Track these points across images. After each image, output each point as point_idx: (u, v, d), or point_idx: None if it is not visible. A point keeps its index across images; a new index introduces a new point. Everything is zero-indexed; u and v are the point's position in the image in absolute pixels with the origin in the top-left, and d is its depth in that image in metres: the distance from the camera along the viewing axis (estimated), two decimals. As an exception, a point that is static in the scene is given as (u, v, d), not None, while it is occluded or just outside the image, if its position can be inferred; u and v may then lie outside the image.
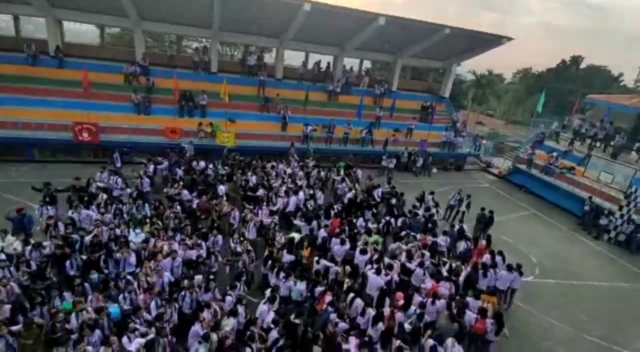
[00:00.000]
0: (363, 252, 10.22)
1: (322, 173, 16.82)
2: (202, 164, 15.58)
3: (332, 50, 24.72)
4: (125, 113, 18.72)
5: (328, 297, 8.28)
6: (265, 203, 12.58)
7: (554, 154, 21.41)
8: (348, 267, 9.54)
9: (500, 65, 55.79)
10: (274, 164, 16.63)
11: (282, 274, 8.90)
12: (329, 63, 25.86)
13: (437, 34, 22.00)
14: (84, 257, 8.77)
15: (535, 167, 21.92)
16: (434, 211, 13.93)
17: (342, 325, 7.57)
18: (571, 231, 17.50)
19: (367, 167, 20.27)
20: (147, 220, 10.66)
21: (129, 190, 12.71)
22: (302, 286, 8.67)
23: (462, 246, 11.93)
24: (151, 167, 14.66)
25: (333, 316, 7.79)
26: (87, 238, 9.22)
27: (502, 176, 24.11)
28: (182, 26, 21.60)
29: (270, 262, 9.44)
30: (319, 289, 8.66)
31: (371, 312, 8.06)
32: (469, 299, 9.11)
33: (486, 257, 10.96)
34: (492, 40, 23.73)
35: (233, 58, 34.06)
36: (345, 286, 9.21)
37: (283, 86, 23.08)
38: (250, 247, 9.90)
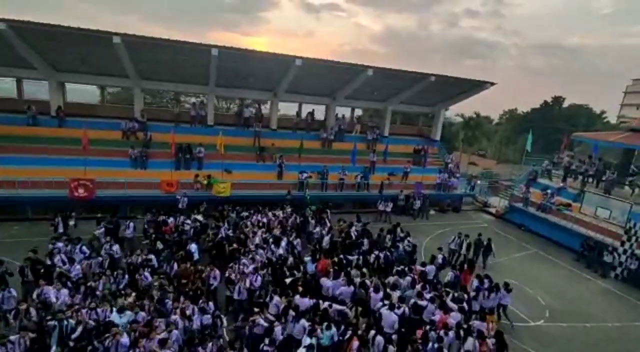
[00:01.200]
0: (376, 290, 10.22)
1: (298, 219, 16.41)
2: (172, 220, 14.56)
3: (324, 100, 25.75)
4: (122, 168, 18.91)
5: (355, 343, 8.02)
6: (240, 258, 11.77)
7: (549, 191, 21.61)
8: (359, 308, 9.66)
9: (487, 107, 58.22)
10: (249, 213, 16.29)
11: (305, 323, 8.49)
12: (311, 112, 26.77)
13: (423, 82, 23.14)
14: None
15: (532, 205, 22.00)
16: (412, 242, 14.78)
17: None
18: (575, 268, 17.14)
19: (364, 212, 20.20)
20: (124, 293, 9.32)
21: (99, 258, 11.25)
22: (332, 331, 8.40)
23: (449, 275, 12.39)
24: (100, 230, 13.29)
25: None
26: (72, 322, 7.88)
27: (499, 215, 24.07)
28: (179, 84, 22.61)
29: (290, 312, 8.74)
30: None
31: (392, 349, 8.22)
32: (476, 322, 9.23)
33: (473, 282, 11.79)
34: (476, 85, 24.94)
35: (229, 110, 35.27)
36: (362, 325, 9.29)
37: (278, 136, 23.70)
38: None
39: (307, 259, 12.33)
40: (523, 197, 22.52)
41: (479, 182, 27.33)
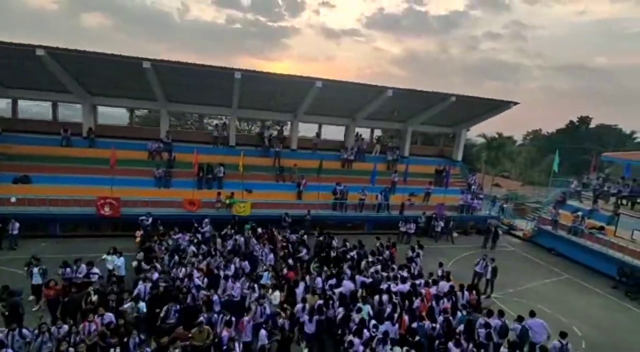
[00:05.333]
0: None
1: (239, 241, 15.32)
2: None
3: (344, 121, 25.94)
4: (146, 187, 19.44)
5: None
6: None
7: (579, 213, 20.63)
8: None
9: (509, 128, 57.05)
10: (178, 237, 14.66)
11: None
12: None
13: (444, 102, 23.03)
14: None
15: (561, 228, 21.01)
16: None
17: None
18: (611, 296, 16.05)
19: (384, 233, 19.80)
20: None
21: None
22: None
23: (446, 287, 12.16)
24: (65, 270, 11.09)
25: None
26: None
27: (527, 238, 23.08)
28: (204, 106, 23.39)
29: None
30: None
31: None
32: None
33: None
34: (498, 106, 24.60)
35: (250, 132, 36.02)
36: None
37: (297, 156, 23.89)
38: None
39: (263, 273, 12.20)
40: (552, 220, 21.57)
41: (505, 205, 26.34)
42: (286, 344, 9.21)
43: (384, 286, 11.75)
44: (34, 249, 15.28)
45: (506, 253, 20.60)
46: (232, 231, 16.18)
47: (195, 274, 11.39)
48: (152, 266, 11.70)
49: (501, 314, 10.35)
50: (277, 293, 10.97)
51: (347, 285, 11.83)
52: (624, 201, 20.78)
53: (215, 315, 9.41)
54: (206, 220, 16.97)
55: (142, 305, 9.54)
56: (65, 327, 8.30)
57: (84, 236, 17.26)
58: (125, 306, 9.44)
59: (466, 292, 11.73)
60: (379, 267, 13.38)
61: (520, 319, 10.16)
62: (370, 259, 14.22)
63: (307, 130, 28.97)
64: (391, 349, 8.76)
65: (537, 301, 13.98)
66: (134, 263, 12.52)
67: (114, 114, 31.23)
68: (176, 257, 12.94)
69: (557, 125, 59.06)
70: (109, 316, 8.80)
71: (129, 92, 21.31)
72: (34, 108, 32.08)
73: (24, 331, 8.04)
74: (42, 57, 16.65)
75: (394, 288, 11.67)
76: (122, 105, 23.53)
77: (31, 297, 10.99)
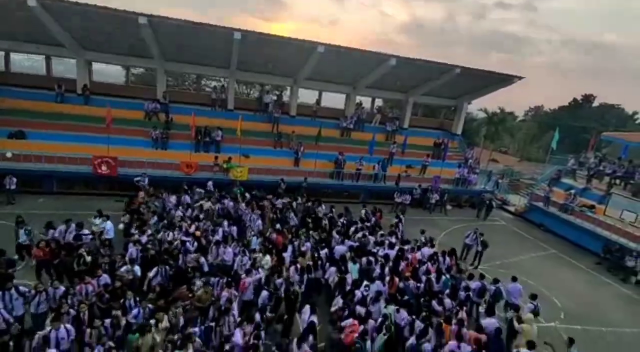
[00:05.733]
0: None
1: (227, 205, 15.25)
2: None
3: (345, 88, 25.45)
4: (143, 147, 19.32)
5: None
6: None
7: (572, 191, 20.91)
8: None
9: (511, 103, 56.51)
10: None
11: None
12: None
13: (448, 74, 22.54)
14: None
15: (553, 205, 21.37)
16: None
17: None
18: (594, 271, 16.66)
19: (380, 203, 20.06)
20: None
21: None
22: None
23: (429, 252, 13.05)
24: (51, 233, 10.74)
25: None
26: None
27: (519, 214, 23.52)
28: (201, 66, 22.74)
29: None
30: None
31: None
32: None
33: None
34: (503, 80, 24.13)
35: (249, 96, 35.38)
36: None
37: (297, 123, 23.64)
38: None
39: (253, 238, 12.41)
40: (544, 197, 21.90)
41: (500, 181, 26.50)
42: (293, 303, 9.41)
43: (373, 250, 12.44)
44: (32, 204, 15.50)
45: (497, 227, 21.07)
46: (220, 194, 16.06)
47: (185, 238, 11.36)
48: (140, 229, 11.57)
49: (482, 276, 11.38)
50: (267, 258, 11.06)
51: (339, 249, 12.29)
52: (617, 181, 21.02)
53: (213, 278, 9.55)
54: (210, 183, 17.33)
55: (137, 268, 9.51)
56: (62, 288, 8.17)
57: (81, 194, 17.34)
58: (122, 269, 9.35)
59: (447, 257, 12.59)
60: (366, 232, 13.94)
61: (495, 281, 11.11)
62: (359, 225, 14.73)
63: (306, 97, 28.50)
64: (385, 307, 9.28)
65: (522, 273, 14.43)
66: (120, 226, 12.45)
67: (109, 72, 30.34)
68: (165, 221, 12.83)
69: (560, 102, 58.18)
70: (105, 278, 8.76)
71: (124, 49, 20.60)
72: (27, 62, 31.10)
73: (21, 288, 7.92)
74: (34, 8, 15.91)
75: (381, 252, 12.28)
76: (117, 62, 22.82)
77: (15, 257, 10.44)
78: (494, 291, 10.85)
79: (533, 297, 10.34)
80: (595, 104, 54.30)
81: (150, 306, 8.14)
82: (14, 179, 15.40)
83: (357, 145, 23.43)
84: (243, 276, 9.70)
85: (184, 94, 24.83)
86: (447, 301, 9.93)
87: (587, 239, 19.00)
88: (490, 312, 9.62)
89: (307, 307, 8.77)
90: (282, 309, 9.20)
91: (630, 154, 22.52)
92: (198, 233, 11.99)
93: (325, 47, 19.30)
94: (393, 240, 13.52)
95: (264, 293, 9.26)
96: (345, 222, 15.11)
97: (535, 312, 9.74)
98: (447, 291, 10.54)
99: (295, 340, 7.60)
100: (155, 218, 12.91)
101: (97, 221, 11.97)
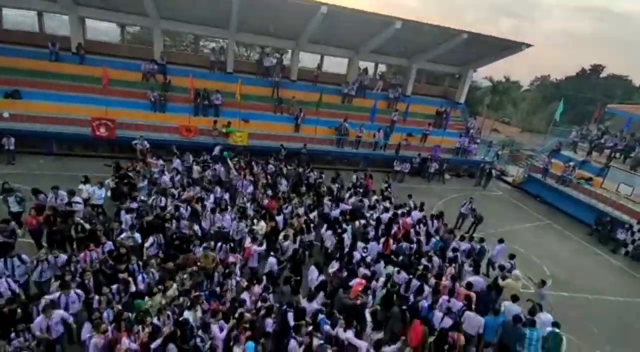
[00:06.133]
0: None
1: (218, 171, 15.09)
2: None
3: (347, 53, 24.70)
4: (142, 110, 19.06)
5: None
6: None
7: (571, 163, 20.97)
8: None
9: (518, 72, 55.11)
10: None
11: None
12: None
13: (454, 39, 21.81)
14: None
15: (551, 176, 21.51)
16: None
17: None
18: (586, 242, 17.10)
19: (379, 171, 20.15)
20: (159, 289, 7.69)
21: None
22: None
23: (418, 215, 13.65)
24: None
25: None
26: None
27: (516, 185, 23.72)
28: (199, 26, 21.88)
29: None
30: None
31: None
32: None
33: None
34: (510, 47, 23.39)
35: (249, 59, 34.36)
36: None
37: (297, 87, 23.17)
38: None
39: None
40: (543, 168, 21.99)
41: (500, 152, 26.36)
42: (298, 267, 9.72)
43: (366, 214, 13.03)
44: (32, 165, 15.55)
45: (493, 197, 21.34)
46: (211, 159, 15.89)
47: (179, 203, 11.21)
48: (130, 195, 11.36)
49: (471, 239, 12.15)
50: (262, 223, 11.05)
51: (334, 213, 12.83)
52: (617, 155, 21.02)
53: (218, 243, 9.64)
54: (217, 147, 17.45)
55: (137, 235, 9.40)
56: (63, 256, 8.10)
57: (81, 156, 17.33)
58: (122, 235, 9.27)
59: (435, 220, 13.31)
60: (360, 197, 14.40)
61: (481, 240, 12.17)
62: (352, 190, 15.17)
63: (307, 61, 27.71)
64: (385, 267, 9.81)
65: (514, 242, 14.85)
66: (107, 192, 11.90)
67: (105, 31, 29.22)
68: (155, 186, 12.63)
69: (568, 72, 56.75)
70: (109, 245, 8.72)
71: (119, 5, 19.73)
72: (19, 18, 29.88)
73: (23, 256, 7.88)
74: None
75: (374, 216, 12.85)
76: (111, 19, 21.86)
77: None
78: (479, 249, 11.63)
79: (511, 256, 11.30)
80: (604, 74, 53.01)
81: (153, 271, 8.22)
82: (12, 139, 15.33)
83: (358, 112, 23.12)
84: (249, 243, 9.72)
85: (182, 55, 24.08)
86: (435, 259, 10.57)
87: (581, 211, 19.31)
88: (476, 271, 10.45)
89: (313, 268, 9.16)
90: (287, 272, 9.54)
91: (633, 127, 22.41)
92: (188, 198, 11.72)
93: (329, 7, 18.51)
94: (387, 205, 13.98)
95: (272, 259, 9.39)
96: (338, 187, 15.45)
97: (509, 270, 10.64)
98: (437, 252, 11.21)
99: (305, 298, 8.02)
100: (145, 182, 12.72)
101: (86, 186, 11.37)
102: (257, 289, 8.06)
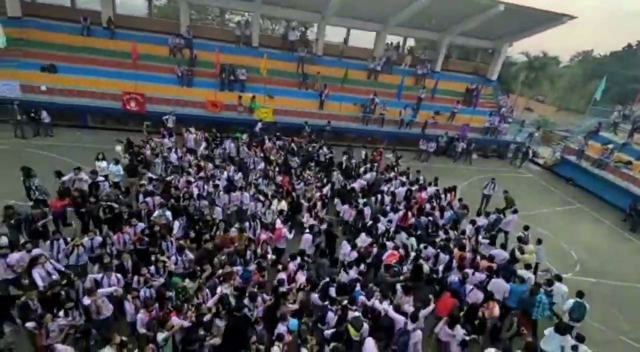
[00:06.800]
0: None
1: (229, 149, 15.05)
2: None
3: (375, 26, 23.86)
4: (169, 84, 19.39)
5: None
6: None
7: (610, 146, 19.84)
8: None
9: (556, 48, 51.53)
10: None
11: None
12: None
13: (490, 11, 20.58)
14: None
15: (586, 159, 20.47)
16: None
17: None
18: (618, 228, 16.38)
19: (404, 150, 19.84)
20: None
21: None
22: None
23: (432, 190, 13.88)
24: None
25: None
26: None
27: (548, 167, 22.78)
28: (225, -1, 21.68)
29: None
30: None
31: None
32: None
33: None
34: (551, 19, 21.88)
35: (274, 33, 33.88)
36: None
37: (322, 63, 22.78)
38: None
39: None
40: (579, 150, 20.91)
41: (537, 134, 25.01)
42: (332, 241, 10.17)
43: (384, 188, 13.37)
44: (70, 137, 16.33)
45: (523, 179, 20.66)
46: (220, 136, 15.80)
47: (195, 182, 11.12)
48: (143, 175, 11.35)
49: (487, 214, 12.31)
50: (283, 203, 10.95)
51: (355, 185, 13.44)
52: (662, 137, 19.68)
53: (247, 222, 9.71)
54: (259, 124, 17.61)
55: (168, 213, 9.38)
56: (99, 238, 8.15)
57: (114, 129, 17.91)
58: (155, 214, 9.31)
59: (448, 194, 13.50)
60: (373, 173, 14.67)
61: (498, 211, 12.65)
62: (368, 165, 15.41)
63: (333, 35, 27.01)
64: (407, 238, 10.16)
65: (542, 225, 14.46)
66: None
67: (133, 5, 29.48)
68: (171, 165, 12.59)
69: (613, 48, 52.53)
70: (141, 225, 8.74)
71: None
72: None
73: (68, 238, 8.00)
74: None
75: (391, 190, 13.25)
76: (140, -8, 22.06)
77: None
78: (494, 219, 12.05)
79: (526, 227, 11.46)
80: (653, 50, 48.76)
81: (188, 252, 8.33)
82: (44, 112, 15.85)
83: (384, 88, 22.58)
84: (279, 224, 9.80)
85: (208, 29, 24.01)
86: (451, 233, 10.89)
87: (616, 196, 18.39)
88: (492, 243, 10.96)
89: (345, 242, 9.54)
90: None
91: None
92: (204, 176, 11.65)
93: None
94: (404, 179, 14.30)
95: (307, 236, 9.57)
96: (354, 162, 15.78)
97: (524, 241, 10.92)
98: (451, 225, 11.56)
99: (342, 270, 8.45)
100: (159, 159, 12.62)
101: (102, 163, 11.38)
102: (292, 266, 8.34)
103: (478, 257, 9.63)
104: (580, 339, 7.21)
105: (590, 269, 12.60)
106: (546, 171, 22.63)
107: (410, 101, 22.24)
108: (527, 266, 9.55)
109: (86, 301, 6.53)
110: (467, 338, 6.98)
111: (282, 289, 7.46)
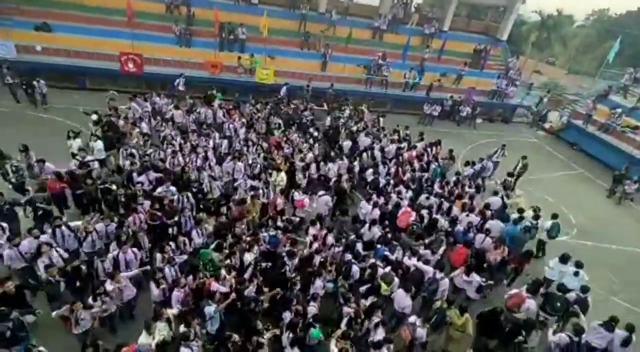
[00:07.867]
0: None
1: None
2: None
3: (382, -19, 22.61)
4: (167, 44, 18.75)
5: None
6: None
7: (618, 110, 19.40)
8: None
9: (571, 6, 48.73)
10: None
11: None
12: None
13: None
14: None
15: (593, 124, 20.13)
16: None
17: None
18: (620, 193, 16.44)
19: (408, 114, 19.54)
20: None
21: None
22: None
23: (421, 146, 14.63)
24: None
25: None
26: None
27: (553, 132, 22.45)
28: (223, -50, 20.37)
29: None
30: None
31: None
32: None
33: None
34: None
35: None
36: None
37: (326, 21, 21.79)
38: None
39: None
40: (586, 114, 20.48)
41: (545, 100, 24.29)
42: (343, 197, 10.93)
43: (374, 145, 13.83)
44: (69, 100, 16.05)
45: (527, 144, 20.46)
46: (278, 100, 16.36)
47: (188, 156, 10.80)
48: (129, 153, 10.49)
49: (472, 164, 13.35)
50: (282, 175, 10.70)
51: (363, 141, 14.06)
52: (674, 101, 19.21)
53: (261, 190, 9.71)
54: (284, 88, 17.30)
55: (173, 188, 9.23)
56: (113, 224, 7.89)
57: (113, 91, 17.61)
58: (159, 189, 9.12)
59: (433, 147, 14.33)
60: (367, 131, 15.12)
61: (480, 160, 13.78)
62: (361, 125, 15.68)
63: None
64: (407, 191, 10.91)
65: (543, 190, 14.55)
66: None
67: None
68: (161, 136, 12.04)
69: (630, 6, 49.65)
70: (147, 203, 8.58)
71: None
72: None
73: (71, 223, 7.67)
74: None
75: (378, 147, 13.68)
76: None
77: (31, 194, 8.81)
78: (479, 168, 13.32)
79: (509, 174, 13.39)
80: (674, 8, 46.23)
81: (207, 226, 8.36)
82: (42, 82, 14.69)
83: (389, 48, 21.74)
84: (299, 196, 9.96)
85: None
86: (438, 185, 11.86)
87: (620, 161, 18.18)
88: (477, 190, 11.82)
89: (364, 202, 10.15)
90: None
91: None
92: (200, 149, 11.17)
93: None
94: (395, 137, 14.90)
95: (326, 197, 10.13)
96: (340, 123, 15.90)
97: (508, 187, 12.78)
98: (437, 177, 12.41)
99: (366, 226, 8.98)
100: (137, 129, 11.87)
101: (76, 141, 10.56)
102: (312, 230, 8.64)
103: (474, 203, 10.67)
104: (579, 265, 8.61)
105: (587, 232, 12.84)
106: (551, 136, 22.34)
107: (416, 63, 21.52)
108: (520, 211, 10.65)
109: (109, 286, 6.45)
110: (484, 284, 7.82)
111: (315, 245, 8.01)
